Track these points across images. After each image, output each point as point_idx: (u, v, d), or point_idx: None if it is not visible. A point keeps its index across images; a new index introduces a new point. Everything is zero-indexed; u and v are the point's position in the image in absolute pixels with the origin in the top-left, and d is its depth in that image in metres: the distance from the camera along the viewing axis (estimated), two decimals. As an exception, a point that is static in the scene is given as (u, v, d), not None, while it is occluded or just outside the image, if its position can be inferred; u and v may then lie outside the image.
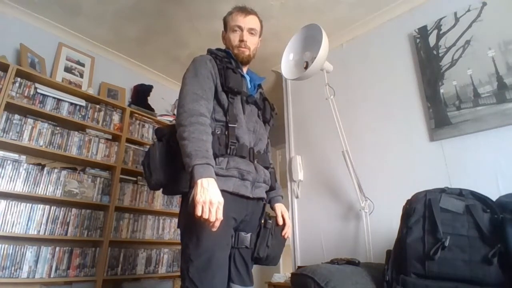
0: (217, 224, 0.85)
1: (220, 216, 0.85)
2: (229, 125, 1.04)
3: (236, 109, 1.08)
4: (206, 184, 0.85)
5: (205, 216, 0.83)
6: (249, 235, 1.08)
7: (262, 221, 1.14)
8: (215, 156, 0.97)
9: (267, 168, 1.17)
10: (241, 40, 1.18)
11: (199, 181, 0.85)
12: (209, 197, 0.83)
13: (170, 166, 1.00)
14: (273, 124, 1.28)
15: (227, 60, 1.15)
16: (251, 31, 1.21)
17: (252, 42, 1.21)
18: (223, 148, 1.01)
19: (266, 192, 1.19)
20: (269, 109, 1.25)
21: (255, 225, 1.12)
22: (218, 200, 0.85)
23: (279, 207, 1.26)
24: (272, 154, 1.41)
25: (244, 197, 1.03)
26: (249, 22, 1.21)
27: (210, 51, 1.20)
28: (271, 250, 1.12)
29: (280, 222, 1.22)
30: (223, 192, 0.92)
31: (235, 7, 1.25)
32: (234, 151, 1.02)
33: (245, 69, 1.23)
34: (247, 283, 1.06)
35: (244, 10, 1.22)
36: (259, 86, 1.28)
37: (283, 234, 1.20)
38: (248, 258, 1.09)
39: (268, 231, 1.10)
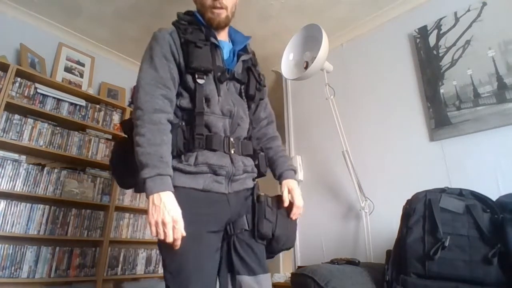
0: (178, 243, 0.75)
1: (178, 235, 0.75)
2: (196, 112, 0.88)
3: (206, 91, 0.89)
4: (158, 201, 0.74)
5: (161, 237, 0.74)
6: (243, 216, 0.93)
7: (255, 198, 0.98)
8: (180, 152, 0.86)
9: (250, 156, 1.00)
10: None
11: (150, 198, 0.75)
12: (160, 217, 0.73)
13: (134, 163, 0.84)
14: (262, 99, 1.07)
15: (192, 29, 0.94)
16: None
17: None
18: (191, 142, 0.87)
19: (274, 171, 1.07)
20: (254, 81, 1.01)
21: (247, 207, 0.95)
22: (172, 216, 0.74)
23: (285, 184, 1.03)
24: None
25: (219, 193, 0.90)
26: None
27: (176, 20, 1.00)
28: (279, 229, 0.94)
29: (286, 202, 0.99)
30: (193, 190, 0.84)
31: None
32: (203, 144, 0.87)
33: (223, 34, 1.02)
34: (257, 270, 0.88)
35: None
36: (244, 50, 1.04)
37: (291, 215, 0.99)
38: (252, 241, 0.92)
39: (263, 204, 0.94)
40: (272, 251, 0.97)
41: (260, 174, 1.05)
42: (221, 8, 0.94)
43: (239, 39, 1.05)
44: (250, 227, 0.92)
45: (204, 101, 0.89)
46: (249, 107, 1.01)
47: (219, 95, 0.91)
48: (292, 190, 1.02)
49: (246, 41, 1.04)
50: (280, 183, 1.05)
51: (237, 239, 0.91)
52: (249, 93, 1.00)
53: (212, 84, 0.91)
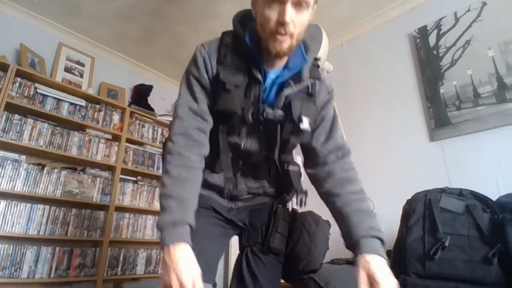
0: None
1: None
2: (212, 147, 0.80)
3: (221, 145, 0.81)
4: (172, 255, 0.61)
5: None
6: (258, 228, 0.87)
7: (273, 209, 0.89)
8: None
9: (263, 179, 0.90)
10: (281, 23, 0.68)
11: (165, 249, 0.63)
12: (176, 280, 0.58)
13: None
14: (305, 142, 0.86)
15: (233, 55, 0.79)
16: (299, 3, 0.69)
17: (299, 22, 0.71)
18: None
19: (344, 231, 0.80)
20: (291, 124, 0.79)
21: (264, 219, 0.88)
22: (191, 277, 0.59)
23: (364, 264, 0.68)
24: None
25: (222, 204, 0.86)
26: None
27: (223, 34, 0.87)
28: (300, 246, 0.85)
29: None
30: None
31: None
32: (208, 165, 0.82)
33: (278, 61, 0.79)
34: None
35: None
36: (297, 77, 0.80)
37: None
38: (265, 256, 0.84)
39: (278, 217, 0.86)
40: (291, 272, 0.88)
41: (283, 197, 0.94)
42: (286, 34, 0.70)
43: (294, 64, 0.80)
44: (261, 240, 0.86)
45: (224, 144, 0.82)
46: (285, 149, 0.86)
47: (240, 138, 0.82)
48: (376, 277, 0.64)
49: (299, 68, 0.79)
50: (356, 258, 0.72)
51: (250, 252, 0.86)
52: (282, 137, 0.82)
53: (236, 126, 0.81)
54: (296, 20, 0.70)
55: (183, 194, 0.69)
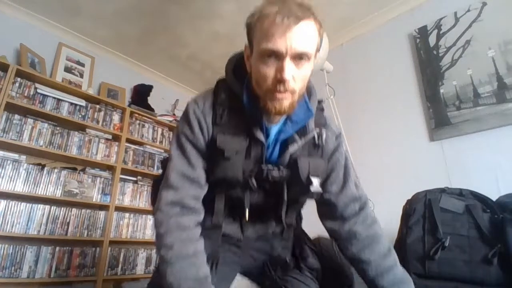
0: None
1: None
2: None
3: (218, 212, 0.76)
4: None
5: None
6: (279, 252, 0.81)
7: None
8: None
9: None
10: (279, 81, 0.61)
11: None
12: None
13: None
14: (317, 195, 0.75)
15: (231, 115, 0.72)
16: (300, 56, 0.61)
17: (300, 77, 0.64)
18: None
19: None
20: (298, 184, 0.72)
21: (285, 244, 0.82)
22: None
23: None
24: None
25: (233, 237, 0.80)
26: (298, 39, 0.60)
27: (217, 86, 0.77)
28: (331, 262, 0.81)
29: None
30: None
31: (270, 5, 0.62)
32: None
33: (278, 118, 0.72)
34: None
35: (289, 12, 0.59)
36: (302, 129, 0.74)
37: None
38: (300, 275, 0.80)
39: (301, 236, 0.81)
40: None
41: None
42: (285, 92, 0.62)
43: (298, 118, 0.71)
44: (292, 259, 0.81)
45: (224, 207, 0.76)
46: (294, 208, 0.80)
47: (243, 201, 0.75)
48: None
49: (304, 122, 0.72)
50: None
51: (280, 280, 0.80)
52: (290, 196, 0.75)
53: (238, 191, 0.75)
54: (297, 75, 0.62)
55: (198, 266, 0.65)
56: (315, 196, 0.74)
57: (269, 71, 0.62)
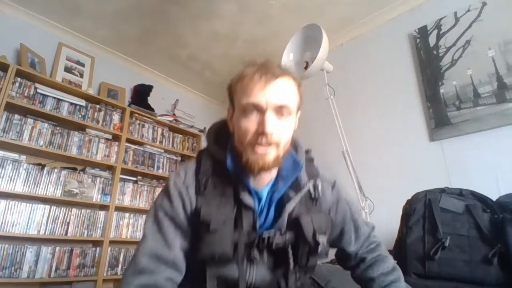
0: None
1: None
2: None
3: (219, 276, 0.66)
4: None
5: None
6: None
7: None
8: None
9: None
10: (261, 133, 0.61)
11: None
12: None
13: None
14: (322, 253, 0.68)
15: (216, 181, 0.68)
16: (280, 110, 0.63)
17: (282, 130, 0.64)
18: None
19: None
20: (306, 246, 0.67)
21: None
22: None
23: None
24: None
25: None
26: (277, 93, 0.63)
27: (199, 156, 0.73)
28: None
29: None
30: None
31: (249, 67, 0.66)
32: None
33: (266, 175, 0.68)
34: None
35: (266, 72, 0.63)
36: (295, 185, 0.71)
37: None
38: None
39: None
40: None
41: None
42: (268, 145, 0.62)
43: (288, 172, 0.69)
44: None
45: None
46: (304, 274, 0.73)
47: (241, 278, 0.65)
48: None
49: (295, 175, 0.69)
50: None
51: None
52: (297, 262, 0.68)
53: (233, 267, 0.65)
54: (279, 128, 0.62)
55: None
56: (324, 256, 0.69)
57: (251, 124, 0.62)
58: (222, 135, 0.73)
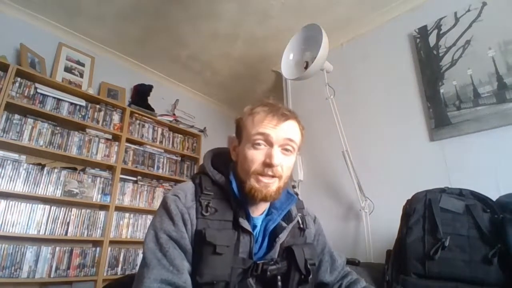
0: None
1: None
2: None
3: None
4: None
5: None
6: None
7: None
8: None
9: None
10: (268, 164, 0.66)
11: None
12: None
13: None
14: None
15: (217, 204, 0.69)
16: (286, 145, 0.70)
17: (286, 165, 0.70)
18: None
19: None
20: (298, 275, 0.69)
21: None
22: None
23: None
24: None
25: None
26: (286, 131, 0.70)
27: (196, 179, 0.74)
28: None
29: None
30: None
31: (260, 105, 0.73)
32: None
33: (263, 205, 0.74)
34: None
35: (277, 112, 0.70)
36: (288, 216, 0.76)
37: None
38: None
39: None
40: None
41: None
42: (273, 176, 0.67)
43: (282, 204, 0.75)
44: None
45: None
46: None
47: None
48: None
49: (289, 206, 0.75)
50: None
51: None
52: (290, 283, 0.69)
53: None
54: (284, 163, 0.69)
55: None
56: (311, 285, 0.72)
57: (259, 155, 0.68)
58: (217, 162, 0.76)
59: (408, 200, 1.21)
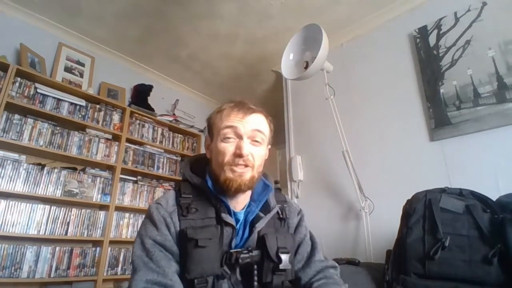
0: None
1: None
2: None
3: None
4: None
5: None
6: None
7: None
8: None
9: None
10: (239, 155, 0.71)
11: None
12: None
13: None
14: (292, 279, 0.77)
15: (198, 204, 0.73)
16: (255, 136, 0.74)
17: (257, 154, 0.74)
18: None
19: None
20: (270, 264, 0.71)
21: None
22: None
23: None
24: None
25: None
26: (253, 123, 0.75)
27: (176, 187, 0.79)
28: None
29: None
30: None
31: (227, 102, 0.79)
32: None
33: (242, 198, 0.77)
34: None
35: (243, 106, 0.76)
36: (265, 206, 0.79)
37: None
38: None
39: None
40: None
41: None
42: (246, 166, 0.72)
43: (259, 195, 0.79)
44: None
45: None
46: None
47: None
48: None
49: (265, 196, 0.79)
50: None
51: None
52: (262, 280, 0.71)
53: (224, 283, 0.70)
54: (254, 153, 0.73)
55: None
56: (288, 276, 0.74)
57: (229, 147, 0.72)
58: (197, 166, 0.81)
59: (408, 200, 1.21)
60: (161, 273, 0.64)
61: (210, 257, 0.66)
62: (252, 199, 0.79)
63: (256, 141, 0.74)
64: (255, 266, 0.71)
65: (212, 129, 0.79)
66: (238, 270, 0.72)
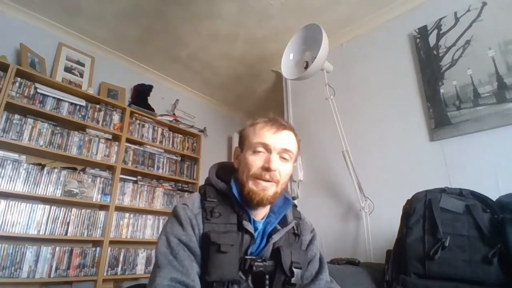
0: None
1: None
2: None
3: None
4: None
5: None
6: None
7: None
8: None
9: None
10: (267, 168, 0.74)
11: None
12: None
13: None
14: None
15: (221, 210, 0.75)
16: (284, 153, 0.77)
17: (284, 171, 0.77)
18: None
19: None
20: (282, 276, 0.72)
21: None
22: None
23: None
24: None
25: None
26: (283, 140, 0.78)
27: (202, 189, 0.81)
28: None
29: None
30: None
31: (261, 118, 0.82)
32: None
33: (263, 210, 0.79)
34: None
35: (276, 122, 0.79)
36: (284, 220, 0.82)
37: None
38: None
39: None
40: None
41: None
42: (271, 181, 0.74)
43: (279, 208, 0.81)
44: None
45: None
46: None
47: None
48: None
49: (285, 211, 0.81)
50: None
51: None
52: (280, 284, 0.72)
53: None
54: (281, 169, 0.76)
55: None
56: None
57: (258, 160, 0.75)
58: (222, 173, 0.83)
59: (408, 200, 1.21)
60: (184, 273, 0.65)
61: (231, 262, 0.68)
62: (272, 210, 0.81)
63: (284, 158, 0.77)
64: (267, 276, 0.72)
65: (243, 140, 0.82)
66: (250, 277, 0.73)
